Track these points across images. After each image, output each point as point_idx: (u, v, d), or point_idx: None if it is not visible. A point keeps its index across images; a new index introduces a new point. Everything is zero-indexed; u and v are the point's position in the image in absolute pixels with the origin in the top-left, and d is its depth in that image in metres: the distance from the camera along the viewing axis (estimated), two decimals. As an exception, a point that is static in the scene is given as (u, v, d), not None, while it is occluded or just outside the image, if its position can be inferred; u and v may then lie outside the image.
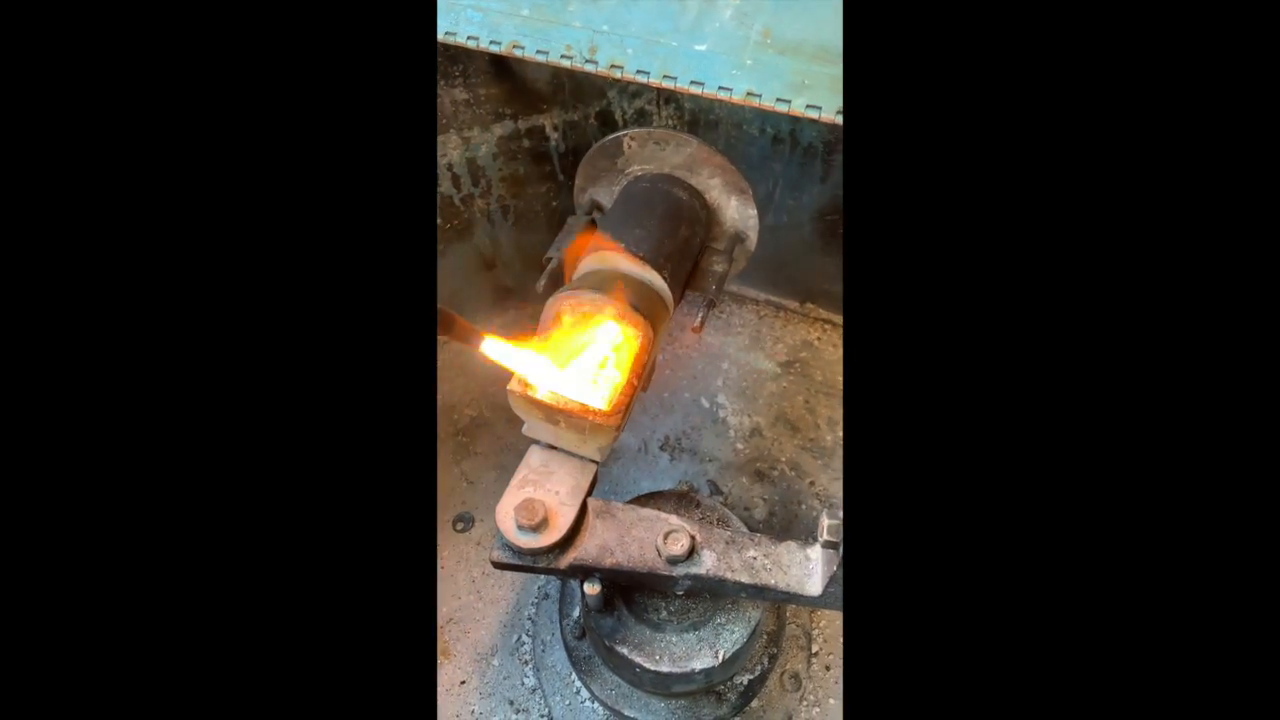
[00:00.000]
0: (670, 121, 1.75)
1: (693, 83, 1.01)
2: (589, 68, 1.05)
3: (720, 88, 1.00)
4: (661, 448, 1.80)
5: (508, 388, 1.15)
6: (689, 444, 1.81)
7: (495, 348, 1.13)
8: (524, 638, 1.51)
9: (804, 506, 1.70)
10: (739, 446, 1.80)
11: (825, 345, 1.98)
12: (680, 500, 1.32)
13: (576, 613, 1.37)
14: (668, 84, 1.02)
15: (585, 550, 1.15)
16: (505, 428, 1.86)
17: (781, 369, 1.95)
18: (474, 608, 1.55)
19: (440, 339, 1.99)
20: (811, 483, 1.74)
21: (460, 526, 1.67)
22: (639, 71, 1.03)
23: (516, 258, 1.94)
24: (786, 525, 1.67)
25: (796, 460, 1.77)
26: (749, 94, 0.99)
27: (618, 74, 1.04)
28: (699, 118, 1.75)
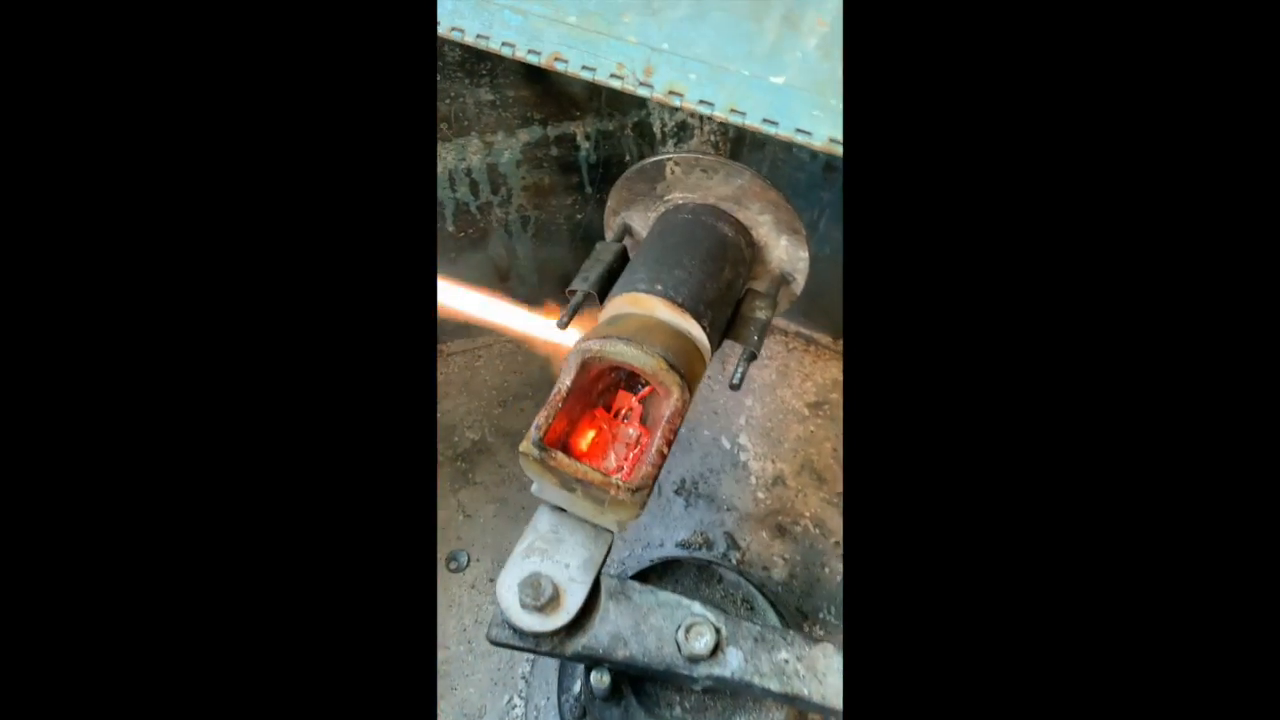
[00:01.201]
0: (713, 138, 1.60)
1: (765, 121, 0.86)
2: (643, 92, 0.90)
3: (798, 130, 0.85)
4: (677, 492, 1.67)
5: (519, 448, 1.00)
6: (706, 489, 1.67)
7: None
8: (516, 699, 1.38)
9: (827, 570, 1.57)
10: (760, 495, 1.67)
11: (858, 388, 1.84)
12: (700, 574, 1.19)
13: (578, 687, 1.24)
14: (735, 120, 0.87)
15: (595, 638, 1.02)
16: (509, 455, 1.72)
17: (810, 410, 1.81)
18: (464, 661, 1.42)
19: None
20: (837, 543, 1.60)
21: (453, 566, 1.54)
22: (702, 102, 0.88)
23: (533, 271, 1.79)
24: (807, 589, 1.54)
25: (821, 516, 1.64)
26: (832, 141, 0.83)
27: (676, 102, 0.89)
28: (744, 136, 1.59)
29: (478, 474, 1.69)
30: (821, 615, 1.51)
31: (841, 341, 1.92)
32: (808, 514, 1.65)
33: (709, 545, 1.58)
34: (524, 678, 1.41)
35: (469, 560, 1.55)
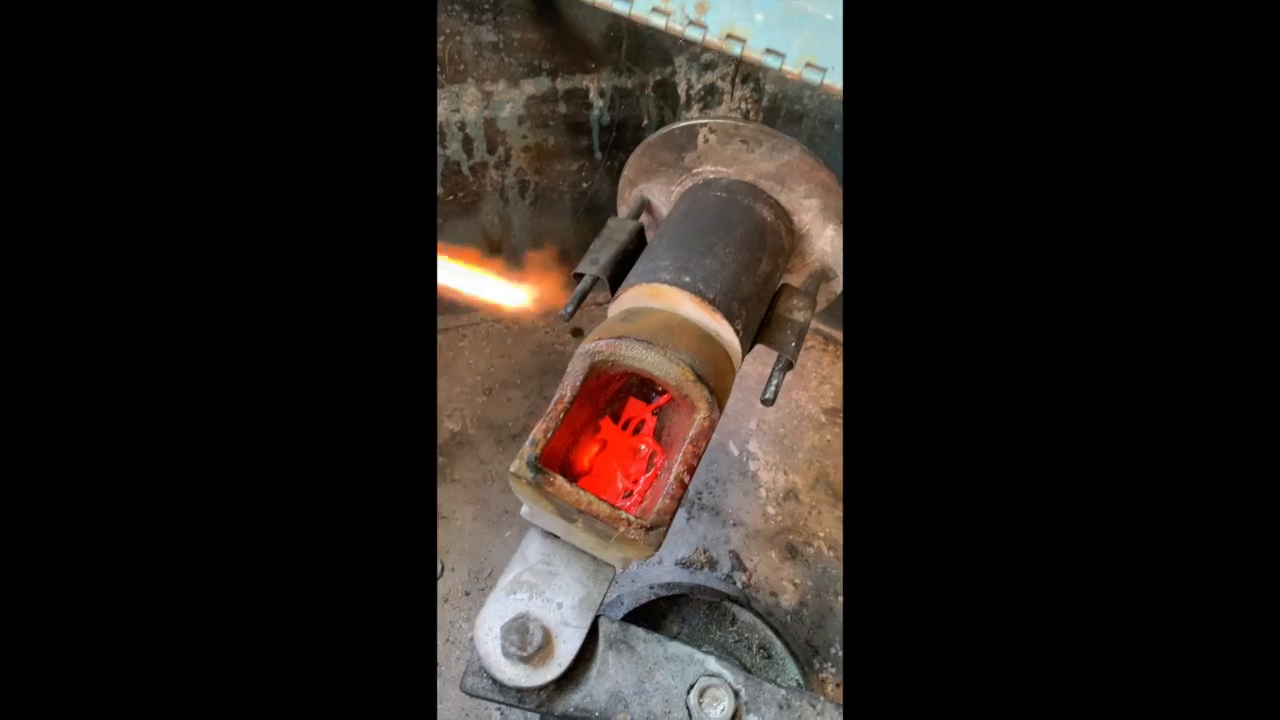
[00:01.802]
0: (744, 105, 1.40)
1: (852, 81, 0.67)
2: (693, 33, 0.71)
3: (894, 94, 0.66)
4: (678, 502, 1.50)
5: (510, 470, 0.82)
6: (711, 500, 1.51)
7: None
8: (488, 734, 1.23)
9: (840, 599, 1.41)
10: (770, 511, 1.51)
11: (880, 394, 1.68)
12: (711, 614, 1.02)
13: (561, 733, 1.08)
14: (811, 77, 0.68)
15: (590, 697, 0.86)
16: (491, 450, 1.55)
17: (827, 417, 1.65)
18: (430, 686, 1.26)
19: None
20: (852, 568, 1.45)
21: (424, 575, 1.36)
22: (770, 52, 0.69)
23: (528, 243, 1.60)
24: (819, 620, 1.39)
25: (836, 538, 1.48)
26: (939, 111, 0.65)
27: (736, 49, 0.70)
28: (780, 105, 1.40)
29: (456, 470, 1.51)
30: (834, 650, 1.36)
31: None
32: (822, 534, 1.49)
33: (712, 565, 1.42)
34: (500, 710, 1.25)
35: (443, 569, 1.38)
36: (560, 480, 0.82)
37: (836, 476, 1.56)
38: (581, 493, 0.82)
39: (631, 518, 0.81)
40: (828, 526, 1.50)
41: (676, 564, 1.42)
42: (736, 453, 1.59)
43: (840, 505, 1.53)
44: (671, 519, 0.84)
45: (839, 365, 1.73)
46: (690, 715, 0.84)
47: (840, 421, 1.64)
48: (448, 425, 1.57)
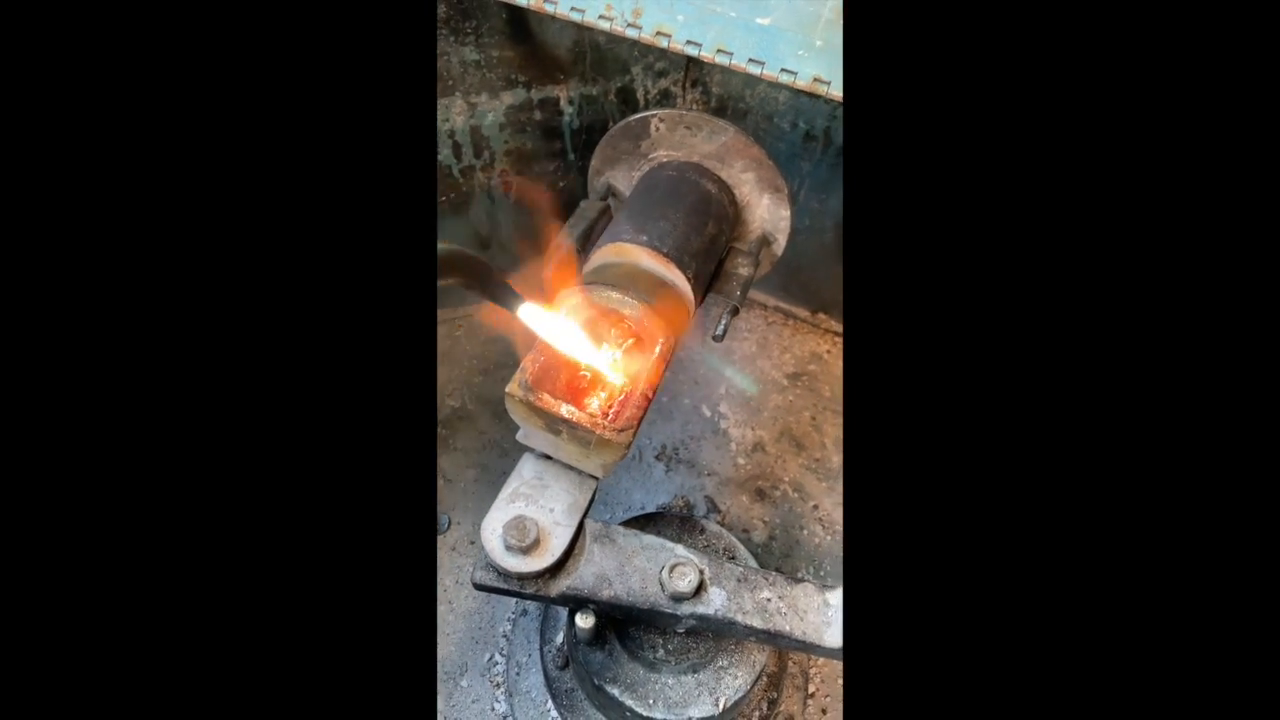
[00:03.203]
0: (695, 105, 1.62)
1: (751, 61, 0.88)
2: (631, 33, 0.91)
3: (783, 70, 0.87)
4: (657, 457, 1.68)
5: (506, 390, 1.01)
6: (687, 455, 1.69)
7: (532, 313, 0.99)
8: (497, 657, 1.38)
9: (805, 532, 1.59)
10: (740, 462, 1.69)
11: (835, 359, 1.88)
12: (683, 525, 1.20)
13: (560, 638, 1.24)
14: (721, 60, 0.89)
15: (580, 578, 1.03)
16: (490, 422, 1.72)
17: (789, 381, 1.84)
18: (444, 620, 1.42)
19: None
20: (815, 506, 1.63)
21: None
22: (689, 43, 0.89)
23: (514, 238, 1.79)
24: (787, 551, 1.56)
25: (800, 481, 1.66)
26: (816, 80, 0.86)
27: (664, 43, 0.90)
28: (727, 104, 1.61)
29: (458, 440, 1.68)
30: (800, 576, 1.53)
31: (819, 315, 1.95)
32: (787, 479, 1.67)
33: (690, 509, 1.60)
34: (505, 635, 1.41)
35: (449, 523, 1.55)
36: (547, 396, 1.00)
37: (799, 430, 1.75)
38: (565, 404, 1.00)
39: (606, 423, 0.99)
40: (792, 472, 1.68)
41: (657, 509, 1.60)
42: (709, 414, 1.77)
43: (802, 454, 1.71)
44: (638, 425, 1.03)
45: (797, 337, 1.93)
46: (663, 587, 1.01)
47: (800, 385, 1.84)
48: (449, 403, 1.74)
